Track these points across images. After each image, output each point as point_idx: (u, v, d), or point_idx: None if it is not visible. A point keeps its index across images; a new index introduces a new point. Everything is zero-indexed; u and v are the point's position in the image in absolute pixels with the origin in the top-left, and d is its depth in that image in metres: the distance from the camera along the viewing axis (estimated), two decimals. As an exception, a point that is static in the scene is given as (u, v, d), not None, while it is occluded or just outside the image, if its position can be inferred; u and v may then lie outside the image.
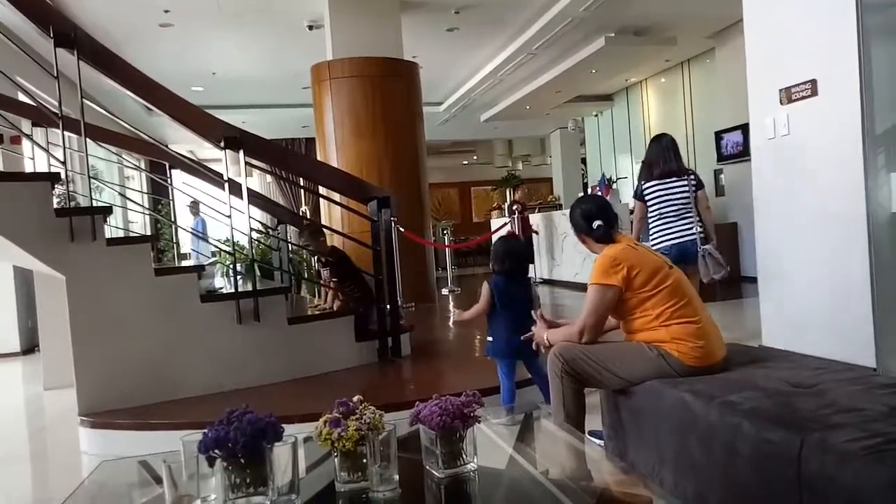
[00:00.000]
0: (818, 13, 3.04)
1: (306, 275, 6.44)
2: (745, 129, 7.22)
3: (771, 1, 3.35)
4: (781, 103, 3.26)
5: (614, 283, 2.23)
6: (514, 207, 7.82)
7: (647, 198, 3.86)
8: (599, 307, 2.27)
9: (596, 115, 13.19)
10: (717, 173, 9.49)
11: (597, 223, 2.38)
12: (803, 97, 3.15)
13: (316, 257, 4.54)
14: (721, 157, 8.90)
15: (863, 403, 1.66)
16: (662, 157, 3.83)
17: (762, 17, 3.42)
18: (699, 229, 3.72)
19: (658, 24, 8.23)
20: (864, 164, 2.86)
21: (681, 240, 3.72)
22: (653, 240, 3.85)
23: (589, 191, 10.76)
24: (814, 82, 3.08)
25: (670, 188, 3.79)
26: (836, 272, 3.03)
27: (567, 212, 7.99)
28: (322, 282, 4.72)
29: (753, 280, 3.65)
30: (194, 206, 9.48)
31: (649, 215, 3.87)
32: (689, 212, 3.74)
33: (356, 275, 4.40)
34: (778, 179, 3.35)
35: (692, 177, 3.80)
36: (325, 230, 5.01)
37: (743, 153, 7.94)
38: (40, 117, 4.40)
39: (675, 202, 3.76)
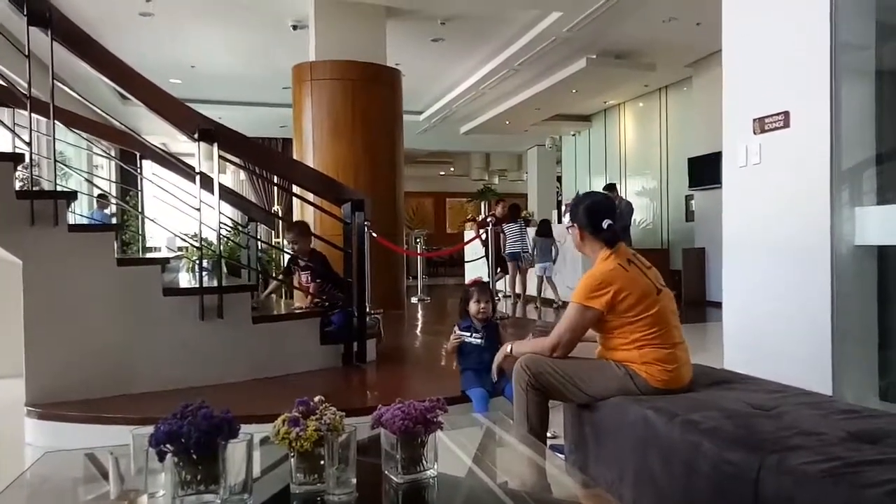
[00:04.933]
0: (795, 48, 3.12)
1: (274, 273, 6.34)
2: (717, 157, 7.37)
3: (749, 33, 3.43)
4: (754, 132, 3.33)
5: (596, 306, 2.20)
6: (488, 220, 7.84)
7: (506, 230, 8.23)
8: (577, 326, 2.25)
9: (574, 135, 13.36)
10: (687, 199, 9.68)
11: (607, 222, 2.28)
12: (776, 128, 3.22)
13: (295, 258, 4.47)
14: (693, 184, 9.08)
15: (821, 427, 1.68)
16: (512, 214, 8.37)
17: (740, 48, 3.50)
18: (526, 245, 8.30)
19: (639, 49, 8.40)
20: (830, 196, 2.93)
21: (517, 249, 8.17)
22: (507, 247, 8.21)
23: (563, 208, 10.87)
24: (787, 114, 3.15)
25: (514, 227, 8.20)
26: (798, 301, 3.08)
27: (536, 228, 8.17)
28: (296, 284, 4.65)
29: (718, 305, 3.74)
30: (101, 198, 9.33)
31: (508, 237, 8.23)
32: (524, 237, 8.29)
33: (335, 277, 4.43)
34: (747, 207, 3.41)
35: (522, 221, 8.44)
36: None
37: (713, 181, 8.10)
38: (7, 97, 4.25)
39: (515, 232, 8.20)
